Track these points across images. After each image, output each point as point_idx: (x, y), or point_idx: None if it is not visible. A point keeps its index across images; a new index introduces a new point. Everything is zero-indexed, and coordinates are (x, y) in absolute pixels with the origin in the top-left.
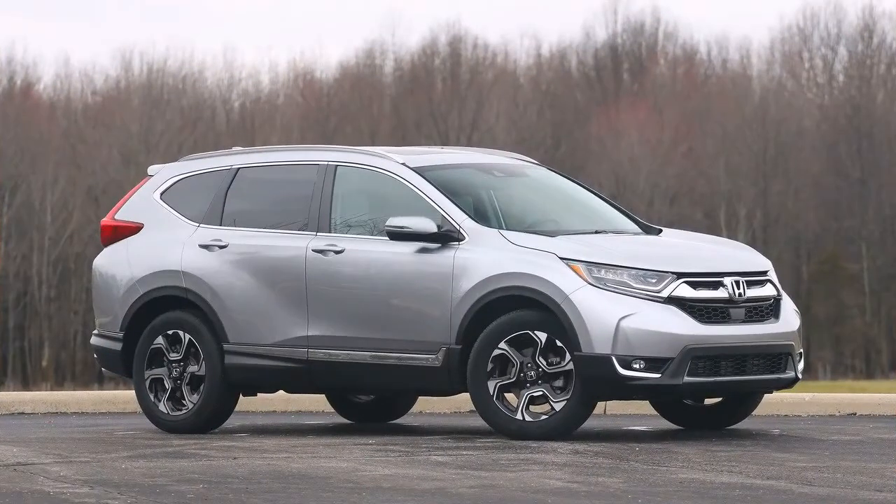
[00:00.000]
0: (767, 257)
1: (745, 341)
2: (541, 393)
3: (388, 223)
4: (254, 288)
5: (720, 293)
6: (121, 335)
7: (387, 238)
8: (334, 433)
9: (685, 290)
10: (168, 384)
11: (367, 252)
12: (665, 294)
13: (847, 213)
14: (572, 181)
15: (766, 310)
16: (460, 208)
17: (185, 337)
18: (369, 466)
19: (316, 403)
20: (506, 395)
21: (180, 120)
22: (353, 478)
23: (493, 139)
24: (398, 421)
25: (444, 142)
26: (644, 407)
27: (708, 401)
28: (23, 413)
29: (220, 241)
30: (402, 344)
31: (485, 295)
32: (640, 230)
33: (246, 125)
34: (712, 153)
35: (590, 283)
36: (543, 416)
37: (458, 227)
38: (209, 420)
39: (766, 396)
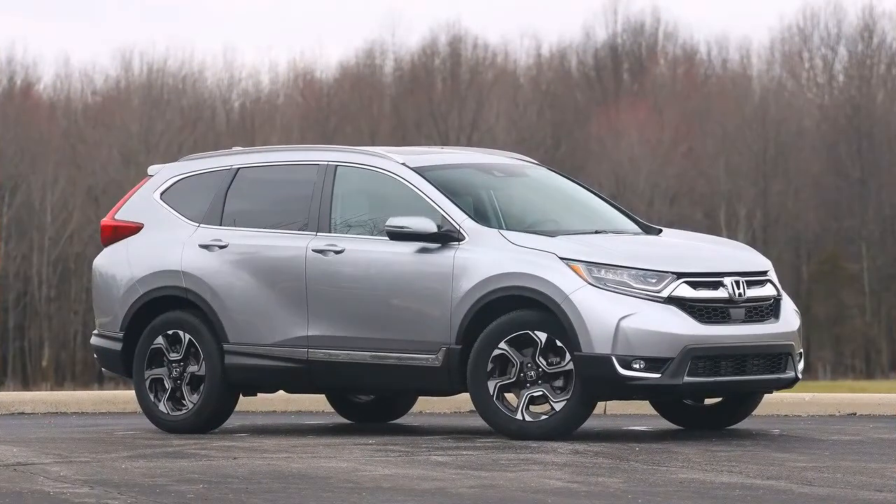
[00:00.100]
0: (767, 257)
1: (745, 341)
2: (541, 393)
3: (388, 223)
4: (254, 288)
5: (720, 293)
6: (121, 335)
7: (387, 238)
8: (334, 433)
9: (685, 290)
10: (168, 384)
11: (367, 252)
12: (665, 294)
13: (847, 213)
14: (572, 181)
15: (766, 310)
16: (460, 208)
17: (185, 337)
18: (369, 466)
19: (316, 403)
20: (506, 395)
21: (180, 120)
22: (353, 478)
23: (493, 139)
24: (398, 421)
25: (444, 142)
26: (644, 407)
27: (708, 401)
28: (23, 413)
29: (220, 241)
30: (402, 344)
31: (485, 295)
32: (640, 230)
33: (246, 125)
34: (712, 153)
35: (590, 283)
36: (543, 416)
37: (458, 227)
38: (209, 420)
39: (766, 396)
